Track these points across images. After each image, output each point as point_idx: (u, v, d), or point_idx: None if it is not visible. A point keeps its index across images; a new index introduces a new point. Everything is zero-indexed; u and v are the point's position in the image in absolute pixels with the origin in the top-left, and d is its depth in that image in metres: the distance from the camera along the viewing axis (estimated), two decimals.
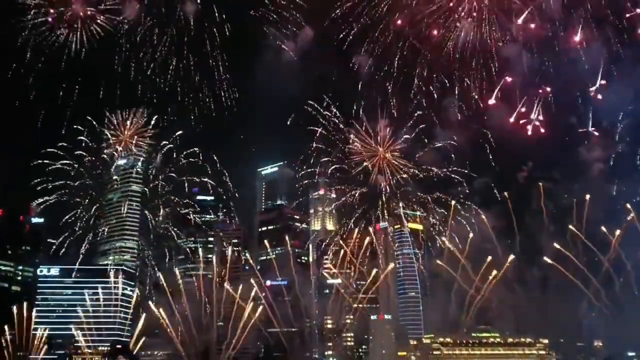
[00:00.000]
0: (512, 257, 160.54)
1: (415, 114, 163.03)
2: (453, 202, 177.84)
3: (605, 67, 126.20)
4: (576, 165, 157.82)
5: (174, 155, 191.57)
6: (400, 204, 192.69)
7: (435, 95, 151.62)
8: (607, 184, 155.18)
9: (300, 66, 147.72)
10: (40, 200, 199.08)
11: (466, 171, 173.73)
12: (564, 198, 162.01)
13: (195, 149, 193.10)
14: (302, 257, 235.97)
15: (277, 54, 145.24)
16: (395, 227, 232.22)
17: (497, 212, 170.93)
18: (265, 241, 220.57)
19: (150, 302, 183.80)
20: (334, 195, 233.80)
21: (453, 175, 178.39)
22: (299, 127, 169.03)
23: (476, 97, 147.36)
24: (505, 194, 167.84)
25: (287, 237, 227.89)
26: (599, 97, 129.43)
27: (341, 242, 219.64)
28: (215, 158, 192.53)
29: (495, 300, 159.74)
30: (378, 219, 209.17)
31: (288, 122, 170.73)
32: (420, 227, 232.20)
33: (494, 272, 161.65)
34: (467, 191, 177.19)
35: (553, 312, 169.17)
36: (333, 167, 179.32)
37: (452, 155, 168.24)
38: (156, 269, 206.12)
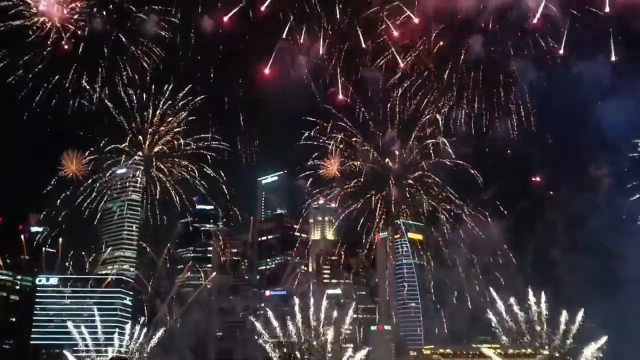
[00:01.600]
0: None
1: (427, 129, 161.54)
2: (464, 213, 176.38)
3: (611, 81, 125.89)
4: (586, 178, 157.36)
5: (192, 169, 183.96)
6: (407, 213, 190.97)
7: (445, 109, 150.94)
8: (616, 197, 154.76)
9: (308, 78, 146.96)
10: (49, 229, 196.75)
11: (476, 181, 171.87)
12: (573, 210, 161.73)
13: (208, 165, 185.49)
14: (302, 267, 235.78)
15: (287, 65, 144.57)
16: (395, 237, 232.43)
17: (506, 223, 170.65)
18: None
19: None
20: (333, 205, 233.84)
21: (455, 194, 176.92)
22: (303, 138, 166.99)
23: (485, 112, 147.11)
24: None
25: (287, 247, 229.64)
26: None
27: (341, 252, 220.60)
28: (220, 172, 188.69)
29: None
30: (378, 229, 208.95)
31: (300, 139, 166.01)
32: (420, 237, 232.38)
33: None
34: (476, 202, 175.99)
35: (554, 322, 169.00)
36: (340, 188, 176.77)
37: (460, 166, 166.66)
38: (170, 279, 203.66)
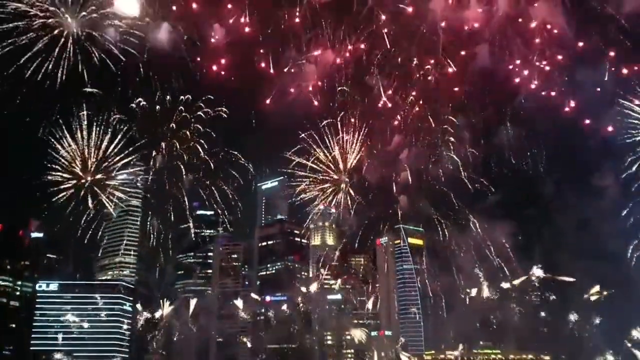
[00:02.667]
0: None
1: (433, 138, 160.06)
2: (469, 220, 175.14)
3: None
4: (591, 186, 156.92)
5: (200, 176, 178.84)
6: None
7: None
8: (619, 202, 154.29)
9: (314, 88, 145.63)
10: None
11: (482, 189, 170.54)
12: (578, 217, 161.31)
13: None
14: (302, 273, 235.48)
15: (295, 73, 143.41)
16: (396, 242, 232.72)
17: (511, 228, 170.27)
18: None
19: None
20: (333, 210, 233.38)
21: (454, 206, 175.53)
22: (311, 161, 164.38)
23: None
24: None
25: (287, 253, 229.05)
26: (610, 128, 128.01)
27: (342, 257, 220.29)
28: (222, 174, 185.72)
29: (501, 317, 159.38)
30: (379, 234, 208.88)
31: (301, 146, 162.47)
32: (420, 242, 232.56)
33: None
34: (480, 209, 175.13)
35: (555, 328, 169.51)
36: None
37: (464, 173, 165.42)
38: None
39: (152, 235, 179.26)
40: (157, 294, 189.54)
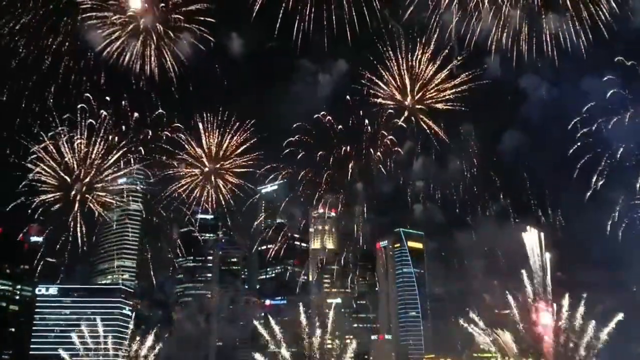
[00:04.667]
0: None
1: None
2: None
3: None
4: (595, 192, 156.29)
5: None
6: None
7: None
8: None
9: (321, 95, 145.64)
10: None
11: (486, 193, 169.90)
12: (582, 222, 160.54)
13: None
14: (302, 276, 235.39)
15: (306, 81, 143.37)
16: (396, 245, 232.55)
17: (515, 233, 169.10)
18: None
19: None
20: (333, 214, 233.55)
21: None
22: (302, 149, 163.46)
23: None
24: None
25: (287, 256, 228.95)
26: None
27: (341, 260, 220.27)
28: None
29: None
30: (379, 237, 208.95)
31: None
32: (420, 245, 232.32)
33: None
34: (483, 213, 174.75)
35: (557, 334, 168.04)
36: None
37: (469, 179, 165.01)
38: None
39: (154, 239, 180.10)
40: (170, 298, 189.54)
